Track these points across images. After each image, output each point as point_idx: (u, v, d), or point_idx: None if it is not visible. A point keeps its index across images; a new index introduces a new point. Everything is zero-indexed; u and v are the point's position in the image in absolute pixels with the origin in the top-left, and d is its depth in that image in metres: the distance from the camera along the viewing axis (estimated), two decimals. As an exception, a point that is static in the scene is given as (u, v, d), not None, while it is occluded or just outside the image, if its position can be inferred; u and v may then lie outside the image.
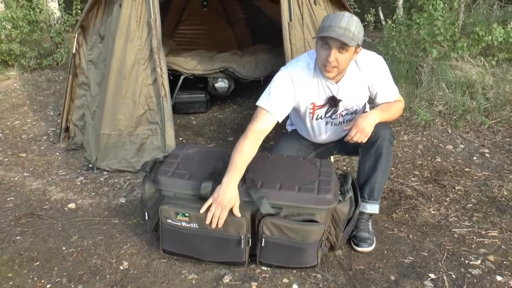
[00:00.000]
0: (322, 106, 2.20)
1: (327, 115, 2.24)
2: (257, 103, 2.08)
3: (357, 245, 2.11)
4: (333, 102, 2.16)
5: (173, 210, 1.89)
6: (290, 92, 2.09)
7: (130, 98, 3.02)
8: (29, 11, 6.37)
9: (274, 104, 2.05)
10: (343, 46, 1.89)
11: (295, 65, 2.14)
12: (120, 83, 3.01)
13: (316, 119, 2.26)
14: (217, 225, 1.84)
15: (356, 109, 2.24)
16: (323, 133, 2.34)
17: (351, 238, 2.14)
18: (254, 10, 5.53)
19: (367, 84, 2.16)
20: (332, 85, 2.12)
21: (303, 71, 2.11)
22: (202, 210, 1.86)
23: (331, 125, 2.29)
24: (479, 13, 5.49)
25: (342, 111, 2.23)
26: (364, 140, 2.07)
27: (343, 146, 2.39)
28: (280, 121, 2.09)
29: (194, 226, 1.88)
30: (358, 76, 2.13)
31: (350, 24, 1.88)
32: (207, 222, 1.84)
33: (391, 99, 2.21)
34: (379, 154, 2.09)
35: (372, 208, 2.19)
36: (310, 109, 2.21)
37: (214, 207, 1.83)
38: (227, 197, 1.82)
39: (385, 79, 2.18)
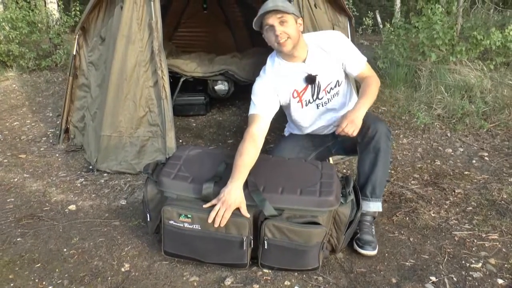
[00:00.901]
0: (304, 90, 2.30)
1: (314, 97, 2.32)
2: (249, 113, 2.24)
3: (361, 247, 2.09)
4: (310, 79, 2.27)
5: (175, 211, 1.89)
6: (270, 91, 2.25)
7: (131, 100, 3.02)
8: (28, 12, 6.37)
9: (260, 107, 2.20)
10: (280, 18, 2.09)
11: (264, 70, 2.33)
12: (121, 85, 3.02)
13: (306, 105, 2.34)
14: (219, 225, 1.84)
15: (338, 81, 2.33)
16: (317, 119, 2.40)
17: (354, 240, 2.12)
18: (253, 12, 5.51)
19: (336, 59, 2.29)
20: (301, 65, 2.25)
21: (272, 69, 2.30)
22: (206, 206, 1.88)
23: (322, 106, 2.36)
24: (477, 18, 5.51)
25: (325, 87, 2.31)
26: (355, 133, 2.09)
27: (341, 144, 2.44)
28: (270, 118, 2.22)
29: (197, 227, 1.88)
30: (325, 55, 2.27)
31: (276, 1, 2.10)
32: (210, 220, 1.84)
33: (362, 66, 2.32)
34: (378, 149, 2.11)
35: (375, 206, 2.19)
36: (295, 97, 2.32)
37: (219, 206, 1.84)
38: (232, 197, 1.84)
39: (349, 49, 2.31)
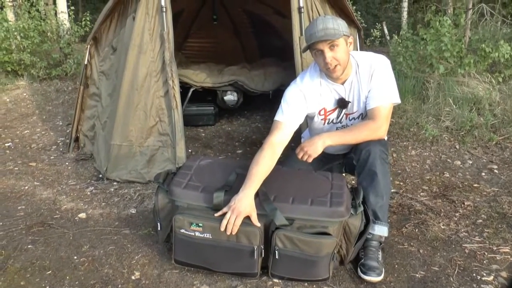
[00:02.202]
0: (333, 111, 2.27)
1: (337, 119, 2.29)
2: (274, 118, 2.20)
3: (364, 273, 1.99)
4: (342, 103, 2.22)
5: (186, 220, 1.90)
6: (301, 102, 2.20)
7: (141, 110, 3.05)
8: (40, 22, 6.45)
9: (287, 115, 2.16)
10: (330, 43, 2.00)
11: (302, 77, 2.26)
12: (132, 95, 3.05)
13: (328, 123, 2.31)
14: (231, 232, 1.85)
15: (362, 114, 2.25)
16: None
17: (358, 265, 2.05)
18: (263, 24, 5.58)
19: (366, 91, 2.18)
20: (339, 87, 2.20)
21: (310, 80, 2.22)
22: (217, 214, 1.89)
23: (335, 129, 2.31)
24: (485, 30, 5.53)
25: (350, 114, 2.26)
26: (309, 160, 2.10)
27: (351, 166, 2.35)
28: (295, 129, 2.18)
29: (208, 236, 1.89)
30: (360, 85, 2.19)
31: (326, 23, 2.00)
32: (222, 228, 1.85)
33: (378, 103, 2.12)
34: (373, 172, 2.05)
35: (379, 229, 2.10)
36: (321, 114, 2.28)
37: (229, 214, 1.85)
38: (243, 204, 1.85)
39: (380, 82, 2.15)
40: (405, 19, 10.44)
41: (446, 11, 6.88)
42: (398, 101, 2.18)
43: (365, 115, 2.24)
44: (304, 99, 2.20)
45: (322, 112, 2.27)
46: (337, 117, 2.28)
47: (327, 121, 2.31)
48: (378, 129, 2.11)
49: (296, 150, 2.14)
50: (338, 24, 2.01)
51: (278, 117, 2.17)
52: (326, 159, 2.47)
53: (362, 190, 2.06)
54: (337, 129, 2.31)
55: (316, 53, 2.07)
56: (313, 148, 2.07)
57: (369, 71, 2.16)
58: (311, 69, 2.25)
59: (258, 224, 1.87)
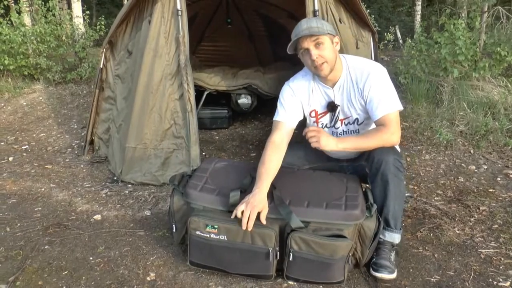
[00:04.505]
0: (324, 114, 2.28)
1: (331, 124, 2.29)
2: (273, 118, 2.27)
3: (375, 270, 1.99)
4: (331, 107, 2.23)
5: (202, 222, 1.91)
6: (295, 99, 2.26)
7: (156, 113, 3.08)
8: (56, 26, 6.54)
9: (284, 115, 2.22)
10: (315, 40, 2.04)
11: (294, 78, 2.32)
12: (147, 98, 3.08)
13: (322, 127, 2.31)
14: (247, 227, 1.85)
15: (357, 118, 2.23)
16: None
17: (370, 264, 2.05)
18: (277, 28, 5.59)
19: (362, 97, 2.15)
20: (328, 89, 2.22)
21: (301, 80, 2.29)
22: (233, 216, 1.90)
23: (336, 135, 2.28)
24: (501, 33, 5.47)
25: (344, 119, 2.25)
26: (315, 145, 2.01)
27: (355, 171, 2.34)
28: (294, 126, 2.24)
29: (223, 238, 1.90)
30: (354, 89, 2.17)
31: (310, 23, 2.06)
32: (243, 227, 1.85)
33: (385, 112, 2.07)
34: (386, 181, 2.02)
35: (390, 236, 2.08)
36: (313, 117, 2.30)
37: (242, 208, 1.87)
38: (256, 199, 1.88)
39: (380, 91, 2.10)
40: (419, 23, 10.39)
41: (460, 14, 6.83)
42: (401, 108, 2.13)
43: (361, 121, 2.23)
44: (296, 96, 2.25)
45: (313, 114, 2.29)
46: (331, 121, 2.28)
47: (319, 124, 2.30)
48: (391, 136, 2.05)
49: (309, 129, 2.04)
50: (322, 24, 2.08)
51: (276, 117, 2.24)
52: (327, 160, 2.45)
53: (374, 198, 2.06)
54: (338, 135, 2.29)
55: (303, 53, 2.11)
56: (326, 141, 2.00)
57: (363, 76, 2.12)
58: (303, 70, 2.31)
59: (264, 222, 1.88)
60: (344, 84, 2.18)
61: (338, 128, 2.29)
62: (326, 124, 2.30)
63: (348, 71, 2.18)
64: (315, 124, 2.31)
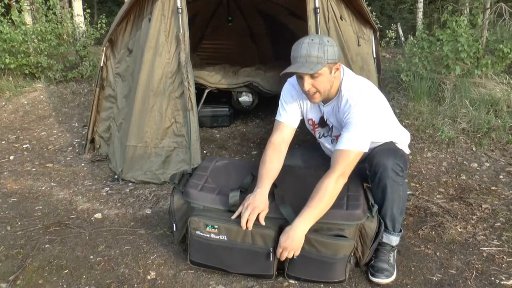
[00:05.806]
0: (319, 126, 2.26)
1: (327, 134, 2.25)
2: (275, 118, 2.23)
3: (372, 275, 1.97)
4: (322, 122, 2.21)
5: (202, 222, 1.91)
6: (296, 99, 2.20)
7: (157, 111, 3.07)
8: (57, 25, 6.52)
9: (285, 115, 2.19)
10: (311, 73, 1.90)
11: (295, 77, 2.20)
12: (148, 96, 3.07)
13: (320, 137, 2.30)
14: (247, 227, 1.85)
15: None
16: (331, 152, 2.24)
17: (368, 267, 2.03)
18: (278, 25, 5.58)
19: (342, 119, 2.04)
20: (321, 104, 2.15)
21: None
22: (233, 217, 1.90)
23: (335, 142, 2.21)
24: (504, 30, 5.43)
25: (338, 135, 2.12)
26: (297, 253, 1.85)
27: (364, 174, 2.26)
28: (295, 126, 2.20)
29: (223, 238, 1.89)
30: (338, 108, 2.07)
31: (311, 49, 1.88)
32: (243, 227, 1.85)
33: (343, 146, 1.93)
34: (384, 186, 1.99)
35: (387, 238, 2.06)
36: (310, 124, 2.28)
37: (244, 211, 1.86)
38: (257, 201, 1.87)
39: (352, 125, 1.95)
40: (421, 20, 10.35)
41: (462, 11, 6.79)
42: (366, 150, 1.96)
43: None
44: (297, 97, 2.20)
45: (310, 122, 2.27)
46: (327, 131, 2.24)
47: (317, 134, 2.28)
48: (338, 180, 1.88)
49: (277, 251, 1.86)
50: (324, 51, 1.88)
51: (277, 117, 2.21)
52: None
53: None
54: (332, 143, 2.23)
55: (297, 77, 2.01)
56: (294, 243, 1.82)
57: (346, 106, 2.00)
58: None
59: (263, 223, 1.87)
60: (335, 106, 2.09)
61: (334, 141, 2.24)
62: (323, 134, 2.28)
63: (341, 95, 2.04)
64: (313, 132, 2.30)
